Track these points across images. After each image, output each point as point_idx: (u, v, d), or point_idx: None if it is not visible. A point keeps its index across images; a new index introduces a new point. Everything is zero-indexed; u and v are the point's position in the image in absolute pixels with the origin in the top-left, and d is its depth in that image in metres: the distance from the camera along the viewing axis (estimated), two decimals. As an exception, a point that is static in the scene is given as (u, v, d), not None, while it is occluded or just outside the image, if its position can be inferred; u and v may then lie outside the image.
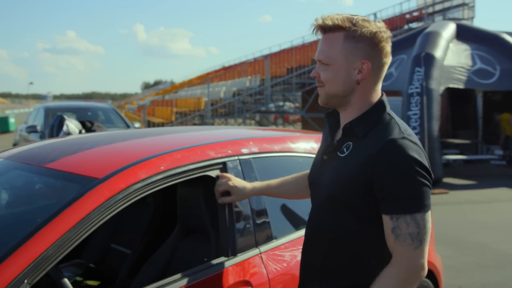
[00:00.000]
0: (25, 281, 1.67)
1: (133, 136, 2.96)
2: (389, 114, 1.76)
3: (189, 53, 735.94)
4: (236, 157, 2.47)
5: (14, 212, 2.48)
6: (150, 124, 19.11)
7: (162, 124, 18.53)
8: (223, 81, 24.12)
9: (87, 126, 4.97)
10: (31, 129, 10.97)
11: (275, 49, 29.08)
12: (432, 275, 3.26)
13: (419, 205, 1.60)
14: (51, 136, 4.81)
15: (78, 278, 3.01)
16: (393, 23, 21.07)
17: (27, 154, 2.68)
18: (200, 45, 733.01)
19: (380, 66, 1.75)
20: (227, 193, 2.29)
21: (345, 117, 1.80)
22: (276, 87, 19.33)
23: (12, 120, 30.46)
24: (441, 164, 11.44)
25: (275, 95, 19.86)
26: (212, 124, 19.34)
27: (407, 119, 11.33)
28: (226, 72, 26.46)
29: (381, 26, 1.74)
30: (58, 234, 1.79)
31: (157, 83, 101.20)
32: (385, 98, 1.80)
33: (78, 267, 3.14)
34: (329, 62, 1.73)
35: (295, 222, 2.80)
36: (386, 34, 1.74)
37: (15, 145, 11.90)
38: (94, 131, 4.91)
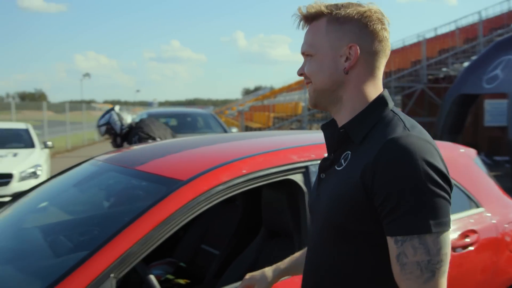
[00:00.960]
0: (111, 275, 1.79)
1: (219, 140, 3.06)
2: (393, 111, 1.40)
3: (289, 59, 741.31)
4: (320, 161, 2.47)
5: (106, 210, 2.66)
6: (247, 129, 19.46)
7: (259, 129, 18.79)
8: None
9: (132, 124, 5.38)
10: (136, 134, 11.54)
11: (374, 52, 28.55)
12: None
13: (430, 223, 1.21)
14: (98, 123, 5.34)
15: (169, 276, 3.13)
16: (500, 20, 20.06)
17: (122, 157, 2.86)
18: (300, 50, 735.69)
19: (373, 52, 1.41)
20: None
21: (341, 122, 1.46)
22: (374, 91, 18.98)
23: (120, 126, 32.10)
24: (553, 171, 10.68)
25: (373, 99, 19.50)
26: (309, 129, 19.35)
27: (514, 123, 10.70)
28: (324, 77, 26.33)
29: (374, 7, 1.43)
30: (143, 232, 1.90)
31: (257, 89, 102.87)
32: (386, 93, 1.45)
33: (170, 265, 3.27)
34: (312, 52, 1.45)
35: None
36: (378, 14, 1.41)
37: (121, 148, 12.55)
38: (139, 126, 5.23)
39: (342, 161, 1.40)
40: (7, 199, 8.14)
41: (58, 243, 2.39)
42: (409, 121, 1.37)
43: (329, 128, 1.52)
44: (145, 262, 2.18)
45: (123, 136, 5.31)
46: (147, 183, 2.41)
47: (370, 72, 1.42)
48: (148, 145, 3.24)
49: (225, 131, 11.41)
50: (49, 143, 10.82)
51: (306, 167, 2.43)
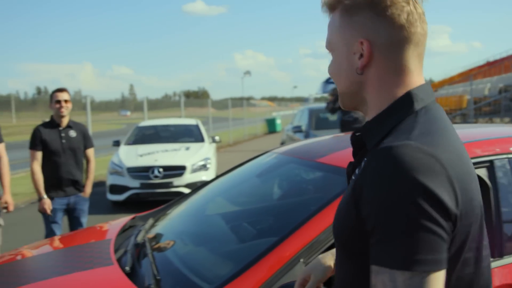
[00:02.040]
0: (301, 260, 1.89)
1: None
2: (418, 113, 1.13)
3: (449, 50, 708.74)
4: (505, 156, 2.37)
5: (291, 200, 2.79)
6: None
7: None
8: (488, 77, 22.62)
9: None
10: (297, 129, 11.83)
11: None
12: None
13: (405, 259, 0.94)
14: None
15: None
16: None
17: (301, 150, 2.99)
18: (461, 40, 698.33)
19: (393, 44, 1.14)
20: None
21: None
22: (552, 81, 17.38)
23: (278, 122, 33.16)
24: None
25: (550, 90, 17.85)
26: (476, 123, 18.30)
27: None
28: (491, 68, 24.74)
29: None
30: (329, 222, 1.97)
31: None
32: (418, 90, 1.16)
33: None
34: (330, 50, 1.26)
35: None
36: None
37: (282, 143, 12.95)
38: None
39: (357, 170, 1.17)
40: (181, 189, 8.82)
41: (245, 229, 2.57)
42: (427, 127, 1.09)
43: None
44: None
45: None
46: (328, 174, 2.49)
47: (393, 67, 1.16)
48: (326, 138, 3.33)
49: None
50: (217, 138, 11.50)
51: (491, 162, 2.33)
